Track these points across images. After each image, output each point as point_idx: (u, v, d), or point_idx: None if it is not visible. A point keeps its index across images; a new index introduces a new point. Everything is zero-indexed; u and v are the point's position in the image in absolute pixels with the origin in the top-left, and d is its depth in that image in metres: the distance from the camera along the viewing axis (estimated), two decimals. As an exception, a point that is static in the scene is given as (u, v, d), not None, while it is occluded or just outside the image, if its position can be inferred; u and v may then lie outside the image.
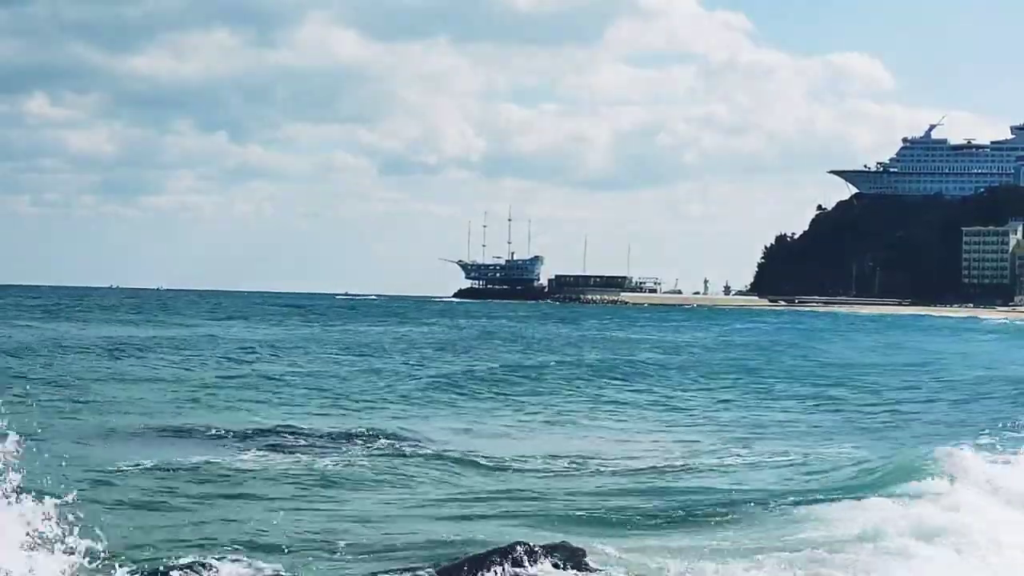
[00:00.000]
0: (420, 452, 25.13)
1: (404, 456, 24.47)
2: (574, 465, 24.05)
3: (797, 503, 18.99)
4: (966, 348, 79.03)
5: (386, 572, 13.81)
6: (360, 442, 26.33)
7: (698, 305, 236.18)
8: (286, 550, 15.09)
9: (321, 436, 27.14)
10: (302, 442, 26.12)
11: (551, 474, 22.93)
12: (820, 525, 16.81)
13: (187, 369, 47.21)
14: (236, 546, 15.05)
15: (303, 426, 28.74)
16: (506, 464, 23.75)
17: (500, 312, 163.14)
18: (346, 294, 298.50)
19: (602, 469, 23.63)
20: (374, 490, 20.42)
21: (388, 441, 26.62)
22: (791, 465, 24.39)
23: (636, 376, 50.15)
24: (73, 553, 13.27)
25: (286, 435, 27.12)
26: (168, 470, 21.49)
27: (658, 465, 24.28)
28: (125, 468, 21.45)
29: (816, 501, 18.98)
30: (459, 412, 34.65)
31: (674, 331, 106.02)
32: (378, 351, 63.84)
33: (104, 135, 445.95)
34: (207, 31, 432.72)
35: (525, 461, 24.23)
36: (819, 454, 26.03)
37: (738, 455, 25.98)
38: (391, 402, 36.79)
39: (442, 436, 28.28)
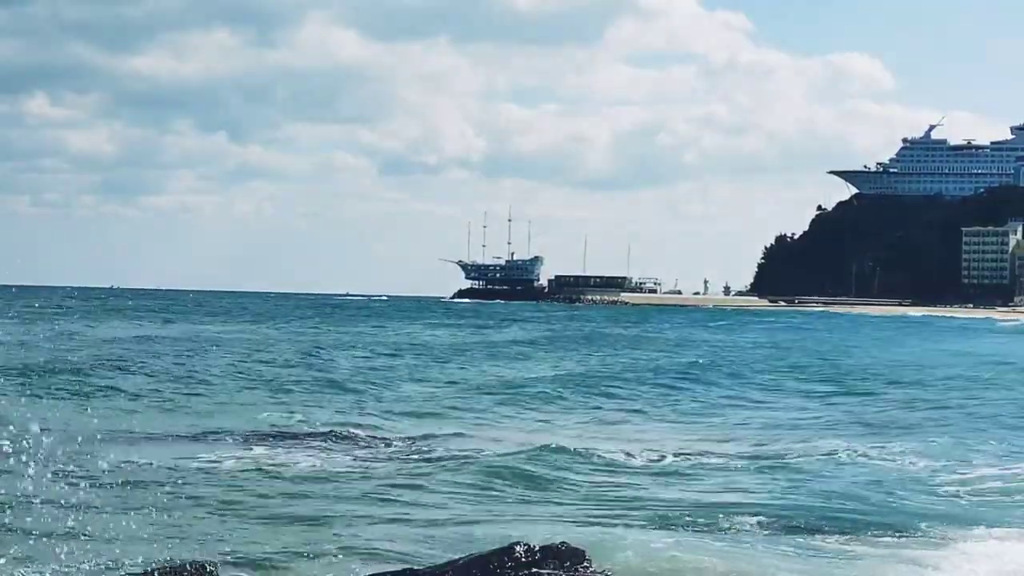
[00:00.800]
0: (438, 455, 24.91)
1: (425, 459, 24.36)
2: (608, 464, 23.88)
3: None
4: (999, 349, 78.32)
5: (385, 572, 13.76)
6: (375, 444, 26.36)
7: (715, 306, 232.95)
8: (278, 550, 15.18)
9: (336, 438, 27.13)
10: (311, 443, 26.07)
11: (577, 473, 22.74)
12: None
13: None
14: (245, 545, 15.31)
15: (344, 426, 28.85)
16: (525, 462, 23.42)
17: (504, 312, 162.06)
18: (347, 294, 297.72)
19: (630, 468, 23.48)
20: (378, 489, 20.37)
21: (403, 444, 26.53)
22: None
23: (675, 377, 49.55)
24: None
25: (297, 436, 27.21)
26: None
27: (694, 464, 24.09)
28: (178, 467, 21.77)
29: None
30: (495, 416, 34.35)
31: (712, 332, 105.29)
32: (425, 353, 63.17)
33: (104, 135, 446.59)
34: (207, 31, 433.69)
35: (551, 462, 23.92)
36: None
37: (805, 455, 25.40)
38: (447, 405, 36.47)
39: (457, 436, 28.16)
